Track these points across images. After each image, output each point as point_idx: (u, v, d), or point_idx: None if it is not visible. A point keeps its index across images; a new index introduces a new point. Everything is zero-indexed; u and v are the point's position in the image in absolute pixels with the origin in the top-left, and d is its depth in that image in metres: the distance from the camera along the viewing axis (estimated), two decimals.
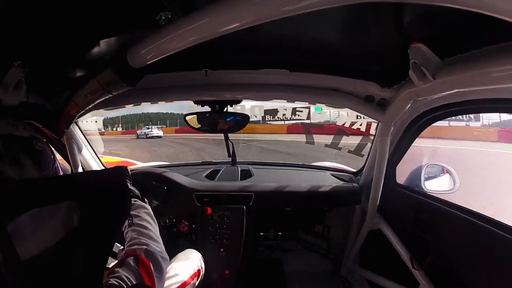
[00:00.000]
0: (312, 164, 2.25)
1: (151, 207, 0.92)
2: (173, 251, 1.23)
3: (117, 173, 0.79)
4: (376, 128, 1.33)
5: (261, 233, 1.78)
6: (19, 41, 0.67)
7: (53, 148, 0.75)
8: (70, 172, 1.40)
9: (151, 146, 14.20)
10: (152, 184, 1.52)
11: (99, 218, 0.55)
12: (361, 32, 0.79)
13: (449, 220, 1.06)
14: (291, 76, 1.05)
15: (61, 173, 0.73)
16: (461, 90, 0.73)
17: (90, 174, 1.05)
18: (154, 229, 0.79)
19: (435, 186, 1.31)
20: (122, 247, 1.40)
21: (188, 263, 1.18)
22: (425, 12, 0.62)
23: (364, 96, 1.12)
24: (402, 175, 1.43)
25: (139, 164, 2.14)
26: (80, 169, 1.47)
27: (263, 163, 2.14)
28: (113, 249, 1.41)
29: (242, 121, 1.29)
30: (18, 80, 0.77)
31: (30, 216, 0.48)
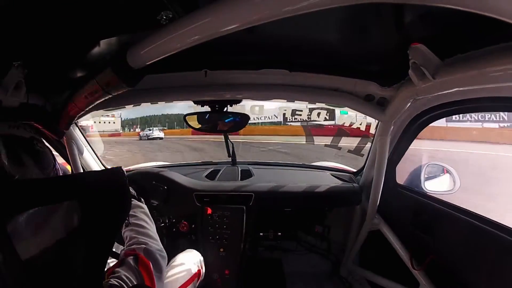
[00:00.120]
0: (312, 164, 2.25)
1: (148, 206, 0.92)
2: (173, 251, 1.23)
3: (117, 173, 0.79)
4: (376, 128, 1.33)
5: (261, 233, 1.78)
6: (18, 42, 0.67)
7: (52, 149, 0.75)
8: (70, 173, 1.40)
9: (153, 151, 12.70)
10: (152, 184, 1.52)
11: (99, 218, 0.55)
12: (361, 32, 0.79)
13: (448, 220, 1.06)
14: (291, 76, 1.05)
15: (61, 173, 0.73)
16: (461, 89, 0.73)
17: (90, 174, 1.05)
18: (151, 227, 0.79)
19: (435, 186, 1.31)
20: (122, 247, 1.40)
21: (188, 263, 1.18)
22: (425, 13, 0.62)
23: (364, 96, 1.12)
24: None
25: (139, 164, 2.13)
26: (80, 170, 1.47)
27: (263, 163, 2.15)
28: (113, 249, 1.40)
29: (241, 121, 1.29)
30: (18, 81, 0.77)
31: (30, 215, 0.48)
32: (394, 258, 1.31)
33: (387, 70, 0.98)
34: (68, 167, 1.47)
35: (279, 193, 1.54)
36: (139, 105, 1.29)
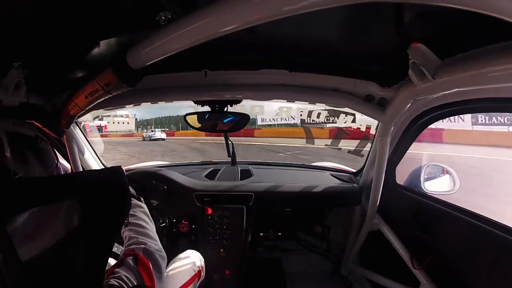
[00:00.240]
0: (312, 164, 2.25)
1: (148, 206, 0.92)
2: (173, 251, 1.23)
3: (117, 172, 0.79)
4: (376, 128, 1.33)
5: (261, 233, 1.78)
6: (19, 42, 0.67)
7: (54, 148, 0.76)
8: (70, 172, 1.40)
9: (155, 155, 11.73)
10: (152, 183, 1.52)
11: (99, 217, 0.55)
12: (361, 32, 0.79)
13: (449, 220, 1.06)
14: (291, 76, 1.05)
15: (62, 172, 0.73)
16: (461, 89, 0.73)
17: (90, 173, 1.05)
18: (150, 227, 0.79)
19: (435, 186, 1.31)
20: (121, 247, 1.40)
21: (189, 264, 1.18)
22: (425, 12, 0.62)
23: (364, 96, 1.12)
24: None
25: (139, 164, 2.14)
26: (80, 169, 1.48)
27: (263, 163, 2.15)
28: (113, 249, 1.41)
29: (241, 121, 1.29)
30: (18, 81, 0.77)
31: (30, 215, 0.48)
32: (394, 258, 1.31)
33: (387, 70, 0.98)
34: (68, 166, 1.48)
35: (279, 193, 1.54)
36: (139, 105, 1.29)
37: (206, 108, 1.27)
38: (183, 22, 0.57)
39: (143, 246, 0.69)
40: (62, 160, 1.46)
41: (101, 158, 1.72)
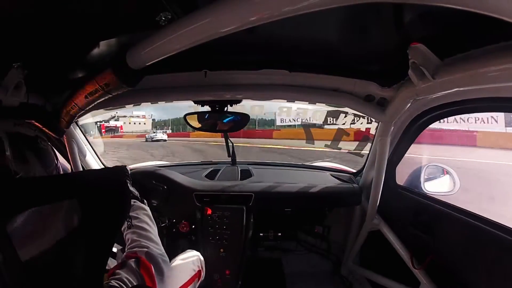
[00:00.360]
0: (312, 164, 2.25)
1: (150, 207, 0.92)
2: (173, 251, 1.23)
3: (117, 172, 0.79)
4: (376, 128, 1.33)
5: (261, 234, 1.78)
6: (19, 43, 0.67)
7: (54, 148, 0.76)
8: (70, 172, 1.40)
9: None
10: (152, 183, 1.52)
11: (99, 217, 0.55)
12: (361, 32, 0.79)
13: (448, 221, 1.06)
14: (291, 76, 1.05)
15: (62, 172, 0.73)
16: (461, 89, 0.73)
17: (90, 173, 1.05)
18: (153, 230, 0.79)
19: (435, 187, 1.31)
20: (121, 247, 1.40)
21: (189, 264, 1.18)
22: (425, 12, 0.62)
23: (364, 96, 1.12)
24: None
25: (139, 164, 2.14)
26: (80, 169, 1.48)
27: (263, 163, 2.15)
28: (113, 249, 1.41)
29: (241, 120, 1.29)
30: (18, 81, 0.77)
31: (30, 215, 0.48)
32: (394, 258, 1.31)
33: (387, 70, 0.98)
34: (68, 166, 1.48)
35: (279, 193, 1.54)
36: (139, 104, 1.29)
37: (206, 108, 1.27)
38: (183, 22, 0.57)
39: (145, 249, 0.69)
40: (62, 160, 1.46)
41: (101, 158, 1.72)
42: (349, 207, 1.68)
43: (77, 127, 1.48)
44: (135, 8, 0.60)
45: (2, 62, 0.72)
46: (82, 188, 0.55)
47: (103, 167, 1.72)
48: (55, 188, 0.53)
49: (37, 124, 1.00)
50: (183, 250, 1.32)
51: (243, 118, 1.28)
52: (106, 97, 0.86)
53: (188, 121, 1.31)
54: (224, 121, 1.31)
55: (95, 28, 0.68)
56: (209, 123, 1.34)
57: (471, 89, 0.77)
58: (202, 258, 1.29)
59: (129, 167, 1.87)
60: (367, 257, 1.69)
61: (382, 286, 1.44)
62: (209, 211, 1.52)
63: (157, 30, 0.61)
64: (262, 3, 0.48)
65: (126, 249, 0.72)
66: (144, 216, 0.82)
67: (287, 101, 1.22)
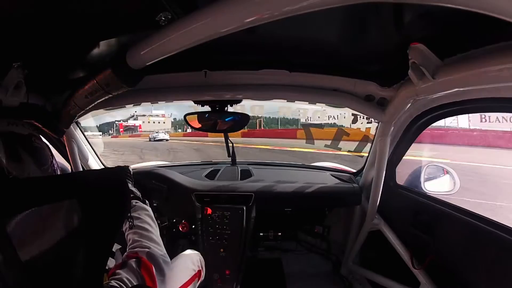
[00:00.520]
0: (312, 164, 2.25)
1: (150, 207, 0.92)
2: (173, 251, 1.23)
3: (117, 172, 0.79)
4: (376, 128, 1.33)
5: (261, 233, 1.78)
6: (18, 43, 0.67)
7: (50, 146, 0.76)
8: (70, 172, 1.40)
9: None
10: (152, 183, 1.52)
11: (99, 217, 0.55)
12: (361, 32, 0.79)
13: (449, 220, 1.06)
14: (291, 76, 1.05)
15: (58, 170, 0.73)
16: (461, 89, 0.73)
17: (90, 173, 1.05)
18: (155, 231, 0.79)
19: (435, 187, 1.30)
20: (120, 246, 1.40)
21: (189, 264, 1.18)
22: (425, 12, 0.62)
23: (364, 96, 1.12)
24: None
25: (139, 164, 2.14)
26: (80, 169, 1.48)
27: (263, 163, 2.15)
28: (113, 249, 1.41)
29: (241, 120, 1.29)
30: (18, 81, 0.77)
31: (30, 215, 0.48)
32: (394, 258, 1.31)
33: (387, 70, 0.98)
34: (68, 166, 1.48)
35: (279, 193, 1.54)
36: (139, 104, 1.30)
37: (206, 108, 1.27)
38: (183, 22, 0.57)
39: (147, 250, 0.69)
40: (62, 160, 1.46)
41: (101, 158, 1.72)
42: (349, 207, 1.68)
43: (77, 127, 1.48)
44: (135, 8, 0.60)
45: (2, 62, 0.72)
46: (82, 188, 0.55)
47: (103, 167, 1.72)
48: (55, 188, 0.53)
49: (36, 124, 1.00)
50: (183, 250, 1.32)
51: (243, 118, 1.28)
52: (106, 97, 0.86)
53: (188, 121, 1.31)
54: (225, 120, 1.31)
55: (95, 28, 0.68)
56: (209, 123, 1.34)
57: (471, 89, 0.77)
58: (202, 258, 1.29)
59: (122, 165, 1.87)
60: (367, 257, 1.68)
61: (382, 286, 1.44)
62: (209, 211, 1.52)
63: (157, 30, 0.61)
64: (262, 3, 0.48)
65: (127, 249, 0.72)
66: (146, 217, 0.81)
67: (287, 101, 1.22)
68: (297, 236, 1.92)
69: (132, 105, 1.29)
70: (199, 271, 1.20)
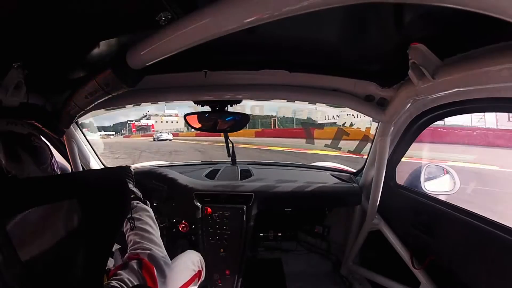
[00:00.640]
0: (312, 164, 2.25)
1: (151, 207, 0.92)
2: (173, 251, 1.23)
3: (118, 172, 0.79)
4: (376, 128, 1.33)
5: (261, 233, 1.78)
6: (19, 43, 0.67)
7: (50, 145, 0.76)
8: (70, 171, 1.40)
9: None
10: (152, 183, 1.52)
11: (99, 217, 0.55)
12: (361, 32, 0.79)
13: (448, 221, 1.06)
14: (291, 77, 1.05)
15: (58, 168, 0.73)
16: (461, 89, 0.73)
17: (90, 173, 1.05)
18: (156, 232, 0.79)
19: (435, 187, 1.30)
20: (119, 246, 1.40)
21: (189, 264, 1.18)
22: (425, 12, 0.62)
23: (364, 96, 1.12)
24: None
25: (139, 164, 2.14)
26: (80, 169, 1.48)
27: (263, 163, 2.15)
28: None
29: (241, 120, 1.29)
30: (18, 81, 0.77)
31: (30, 215, 0.48)
32: (394, 258, 1.31)
33: (387, 70, 0.98)
34: (68, 166, 1.48)
35: (279, 193, 1.54)
36: (139, 105, 1.29)
37: (206, 108, 1.27)
38: (183, 22, 0.57)
39: (148, 251, 0.69)
40: (62, 160, 1.46)
41: (101, 158, 1.72)
42: (349, 207, 1.68)
43: (77, 127, 1.48)
44: (135, 8, 0.60)
45: (2, 62, 0.72)
46: (82, 188, 0.55)
47: (103, 167, 1.72)
48: (55, 188, 0.53)
49: (36, 123, 1.00)
50: (183, 250, 1.32)
51: (243, 118, 1.28)
52: (106, 97, 0.86)
53: (188, 121, 1.31)
54: (225, 120, 1.31)
55: (95, 28, 0.68)
56: (209, 123, 1.34)
57: (471, 89, 0.77)
58: (202, 258, 1.29)
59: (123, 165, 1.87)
60: (367, 257, 1.68)
61: (382, 286, 1.44)
62: (209, 211, 1.52)
63: (157, 30, 0.61)
64: (262, 3, 0.48)
65: (128, 251, 0.72)
66: (147, 218, 0.81)
67: (287, 101, 1.22)
68: (297, 236, 1.92)
69: (132, 105, 1.29)
70: (199, 271, 1.20)
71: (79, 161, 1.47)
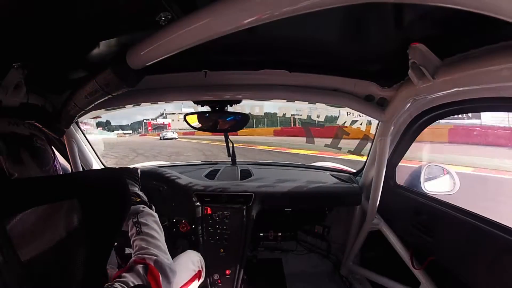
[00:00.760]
0: (312, 164, 2.25)
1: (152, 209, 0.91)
2: (173, 251, 1.23)
3: (118, 172, 0.79)
4: (377, 128, 1.33)
5: (261, 233, 1.78)
6: (19, 43, 0.67)
7: (52, 146, 0.76)
8: (70, 172, 1.40)
9: None
10: (152, 183, 1.52)
11: (100, 217, 0.55)
12: (361, 32, 0.79)
13: (449, 220, 1.06)
14: (291, 77, 1.05)
15: (61, 171, 0.73)
16: (461, 89, 0.73)
17: (89, 173, 1.05)
18: (161, 238, 0.79)
19: (435, 187, 1.30)
20: (129, 250, 1.40)
21: (189, 264, 1.18)
22: (425, 12, 0.62)
23: (364, 96, 1.12)
24: None
25: (139, 164, 2.14)
26: (80, 169, 1.48)
27: (263, 163, 2.15)
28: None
29: (242, 120, 1.29)
30: (18, 81, 0.77)
31: (30, 215, 0.48)
32: (394, 258, 1.31)
33: (387, 70, 0.98)
34: (68, 166, 1.48)
35: (279, 193, 1.54)
36: (139, 105, 1.29)
37: (206, 108, 1.27)
38: (183, 22, 0.57)
39: (155, 257, 0.69)
40: (62, 160, 1.46)
41: (101, 158, 1.72)
42: (349, 207, 1.68)
43: (77, 127, 1.48)
44: (135, 8, 0.60)
45: (2, 62, 0.72)
46: (82, 188, 0.55)
47: (103, 167, 1.72)
48: (55, 188, 0.53)
49: (36, 123, 1.00)
50: (183, 250, 1.32)
51: (243, 118, 1.28)
52: (106, 97, 0.86)
53: (188, 121, 1.31)
54: (225, 120, 1.31)
55: (95, 28, 0.68)
56: (209, 123, 1.34)
57: (471, 89, 0.77)
58: (202, 258, 1.29)
59: (130, 167, 1.87)
60: (367, 257, 1.69)
61: (382, 286, 1.44)
62: (209, 211, 1.52)
63: (157, 30, 0.61)
64: (262, 3, 0.48)
65: (133, 255, 0.72)
66: (153, 223, 0.81)
67: (287, 101, 1.22)
68: (297, 236, 1.92)
69: (132, 105, 1.29)
70: (199, 271, 1.20)
71: (79, 161, 1.47)
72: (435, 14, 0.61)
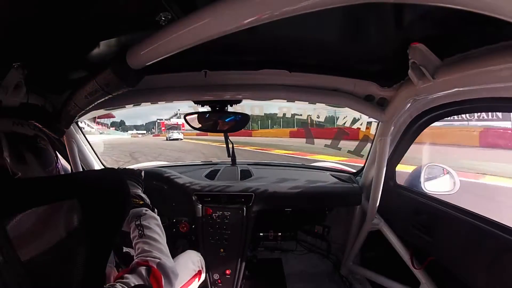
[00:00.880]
0: (312, 164, 2.25)
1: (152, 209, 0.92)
2: (173, 251, 1.23)
3: (118, 172, 0.79)
4: (377, 128, 1.33)
5: (261, 233, 1.78)
6: (19, 43, 0.67)
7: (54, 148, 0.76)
8: (70, 172, 1.40)
9: None
10: (152, 183, 1.52)
11: (100, 218, 0.55)
12: (361, 32, 0.79)
13: (448, 220, 1.06)
14: (291, 77, 1.05)
15: (62, 172, 0.73)
16: (461, 89, 0.73)
17: (89, 173, 1.05)
18: (164, 242, 0.79)
19: (435, 187, 1.30)
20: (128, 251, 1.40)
21: (189, 264, 1.18)
22: (425, 12, 0.62)
23: (364, 96, 1.12)
24: None
25: (139, 164, 2.14)
26: (80, 169, 1.48)
27: (263, 163, 2.15)
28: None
29: (242, 120, 1.29)
30: (18, 81, 0.77)
31: (30, 215, 0.48)
32: (394, 258, 1.31)
33: (387, 70, 0.98)
34: (68, 166, 1.48)
35: (279, 193, 1.54)
36: (139, 105, 1.29)
37: (206, 108, 1.27)
38: (183, 22, 0.57)
39: (158, 260, 0.69)
40: (62, 160, 1.46)
41: (101, 158, 1.72)
42: (349, 207, 1.68)
43: (77, 127, 1.48)
44: (135, 8, 0.60)
45: (2, 62, 0.72)
46: (82, 188, 0.55)
47: (103, 167, 1.72)
48: (55, 188, 0.53)
49: (36, 123, 1.00)
50: (183, 250, 1.32)
51: (244, 118, 1.28)
52: (106, 97, 0.86)
53: (188, 121, 1.31)
54: (225, 120, 1.31)
55: (95, 28, 0.68)
56: (209, 123, 1.34)
57: (471, 89, 0.77)
58: (202, 258, 1.29)
59: (130, 167, 1.87)
60: (367, 257, 1.69)
61: (382, 286, 1.44)
62: (209, 211, 1.52)
63: (157, 30, 0.61)
64: (262, 3, 0.48)
65: (135, 258, 0.72)
66: (156, 227, 0.81)
67: (287, 101, 1.22)
68: (297, 236, 1.92)
69: (132, 105, 1.29)
70: (199, 271, 1.20)
71: (79, 161, 1.47)
72: (435, 14, 0.61)
